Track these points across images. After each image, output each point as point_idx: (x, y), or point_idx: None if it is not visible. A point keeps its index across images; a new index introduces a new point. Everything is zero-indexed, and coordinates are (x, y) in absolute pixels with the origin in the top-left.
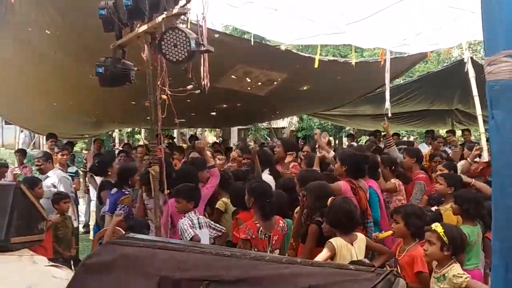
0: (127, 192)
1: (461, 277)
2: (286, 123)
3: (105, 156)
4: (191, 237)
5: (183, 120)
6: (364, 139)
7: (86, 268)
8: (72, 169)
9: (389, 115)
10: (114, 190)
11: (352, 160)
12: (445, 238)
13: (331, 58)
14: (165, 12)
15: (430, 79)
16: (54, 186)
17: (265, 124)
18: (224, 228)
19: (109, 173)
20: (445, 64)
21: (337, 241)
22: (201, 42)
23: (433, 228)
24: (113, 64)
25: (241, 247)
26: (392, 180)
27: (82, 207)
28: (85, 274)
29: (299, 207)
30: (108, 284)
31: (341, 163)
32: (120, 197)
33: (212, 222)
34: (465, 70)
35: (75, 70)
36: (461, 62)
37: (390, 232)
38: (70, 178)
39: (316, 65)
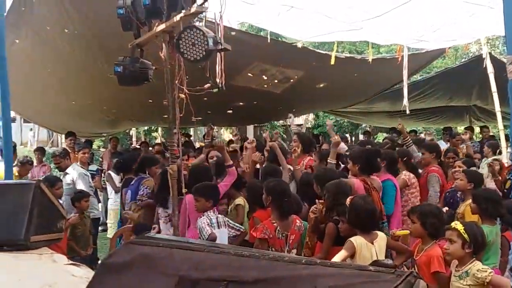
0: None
1: (486, 271)
2: (302, 120)
3: (128, 153)
4: (208, 234)
5: (200, 118)
6: (380, 136)
7: (106, 268)
8: (93, 167)
9: (407, 112)
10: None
11: (364, 157)
12: (465, 236)
13: (348, 54)
14: (183, 11)
15: (448, 75)
16: (73, 183)
17: (281, 122)
18: (243, 228)
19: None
20: (463, 60)
21: (357, 240)
22: (219, 41)
23: (453, 226)
24: (132, 63)
25: (258, 246)
26: (404, 173)
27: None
28: (104, 273)
29: (314, 206)
30: (127, 283)
31: (353, 162)
32: (141, 181)
33: (231, 221)
34: (484, 65)
35: (93, 69)
36: (479, 58)
37: (407, 231)
38: (88, 174)
39: (332, 62)
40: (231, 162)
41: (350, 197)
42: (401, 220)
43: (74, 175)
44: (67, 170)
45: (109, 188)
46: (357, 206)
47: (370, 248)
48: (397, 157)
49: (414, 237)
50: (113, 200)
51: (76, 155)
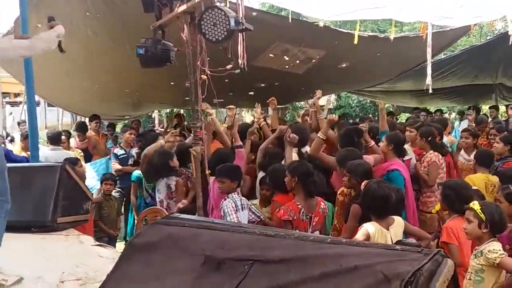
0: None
1: (496, 253)
2: (324, 101)
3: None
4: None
5: (222, 100)
6: (403, 116)
7: (133, 248)
8: (133, 150)
9: (430, 91)
10: None
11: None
12: (482, 216)
13: (371, 33)
14: None
15: (473, 53)
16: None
17: (302, 103)
18: (263, 216)
19: None
20: (488, 38)
21: (371, 226)
22: (240, 21)
23: (470, 206)
24: (154, 45)
25: (282, 228)
26: (431, 153)
27: None
28: (132, 253)
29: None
30: (154, 263)
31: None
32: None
33: (253, 207)
34: (510, 43)
35: (116, 51)
36: (505, 35)
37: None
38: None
39: (355, 41)
40: (240, 143)
41: (365, 181)
42: (415, 210)
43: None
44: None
45: None
46: (371, 191)
47: (385, 234)
48: (403, 138)
49: (443, 211)
50: None
51: (100, 138)
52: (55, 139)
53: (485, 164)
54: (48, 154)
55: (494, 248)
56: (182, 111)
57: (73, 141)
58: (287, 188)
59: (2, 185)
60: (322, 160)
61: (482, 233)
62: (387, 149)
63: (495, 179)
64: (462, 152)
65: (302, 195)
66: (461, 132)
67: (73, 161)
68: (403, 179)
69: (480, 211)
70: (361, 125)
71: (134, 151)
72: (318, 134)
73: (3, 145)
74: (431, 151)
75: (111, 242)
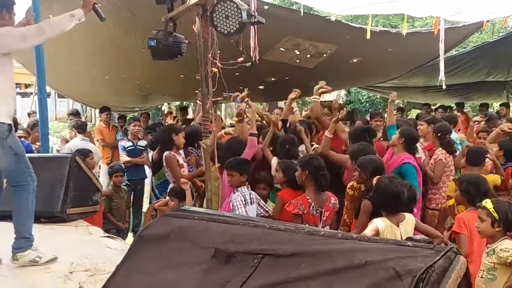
0: (193, 152)
1: (508, 251)
2: (334, 96)
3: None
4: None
5: (232, 94)
6: (413, 113)
7: (143, 239)
8: (142, 142)
9: (444, 87)
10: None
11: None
12: (495, 214)
13: (383, 28)
14: None
15: (486, 49)
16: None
17: (312, 98)
18: (271, 210)
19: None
20: (501, 34)
21: (381, 222)
22: (252, 14)
23: (483, 205)
24: (165, 37)
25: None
26: (440, 151)
27: None
28: (141, 245)
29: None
30: (164, 255)
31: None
32: (188, 157)
33: (262, 201)
34: None
35: (127, 43)
36: None
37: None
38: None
39: (368, 36)
40: (254, 131)
41: (377, 177)
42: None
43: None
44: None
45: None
46: (382, 188)
47: (395, 230)
48: (416, 136)
49: (458, 205)
50: (150, 175)
51: (110, 130)
52: (83, 128)
53: (476, 163)
54: (78, 144)
55: (506, 247)
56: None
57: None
58: (298, 182)
59: (25, 166)
60: (332, 158)
61: (495, 232)
62: (398, 142)
63: (493, 178)
64: None
65: (312, 189)
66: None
67: (84, 153)
68: (416, 170)
69: (493, 210)
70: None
71: (142, 143)
72: (325, 133)
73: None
74: (440, 149)
75: (120, 234)
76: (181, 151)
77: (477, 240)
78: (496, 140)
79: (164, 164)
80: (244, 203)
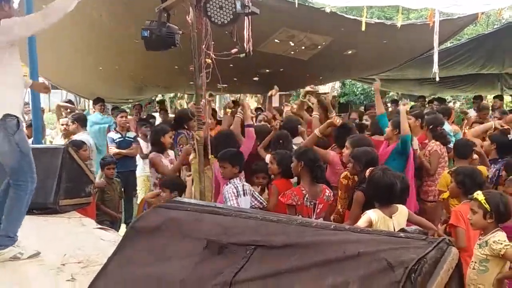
0: (183, 132)
1: (501, 243)
2: (328, 88)
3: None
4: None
5: (226, 85)
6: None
7: (135, 231)
8: (131, 134)
9: (437, 79)
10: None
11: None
12: (486, 206)
13: (378, 20)
14: None
15: (480, 42)
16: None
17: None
18: (265, 202)
19: None
20: (495, 26)
21: (373, 214)
22: (247, 4)
23: (474, 197)
24: (159, 28)
25: (286, 212)
26: (433, 143)
27: None
28: (134, 236)
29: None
30: (156, 246)
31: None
32: (178, 137)
33: (256, 193)
34: None
35: (120, 33)
36: None
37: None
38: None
39: (363, 28)
40: (251, 122)
41: (370, 168)
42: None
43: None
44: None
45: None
46: (376, 178)
47: (388, 222)
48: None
49: (452, 197)
50: (141, 167)
51: None
52: (86, 121)
53: (464, 155)
54: (87, 139)
55: (499, 239)
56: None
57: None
58: (293, 174)
59: (28, 166)
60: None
61: (487, 223)
62: (392, 134)
63: (482, 170)
64: None
65: (307, 180)
66: None
67: (78, 144)
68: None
69: (485, 201)
70: None
71: (131, 134)
72: (315, 131)
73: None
74: (433, 140)
75: (114, 225)
76: (171, 152)
77: (472, 233)
78: (481, 135)
79: (150, 165)
80: (236, 195)
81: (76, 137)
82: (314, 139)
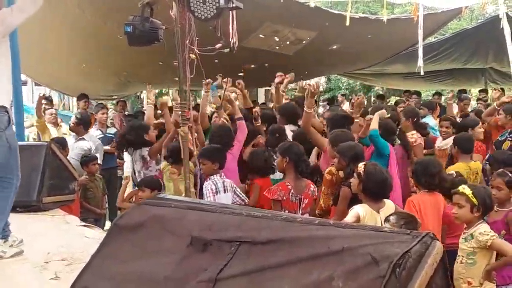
0: None
1: (487, 235)
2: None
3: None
4: None
5: (211, 80)
6: (393, 100)
7: (119, 228)
8: (111, 130)
9: (422, 73)
10: None
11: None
12: (474, 200)
13: (362, 15)
14: None
15: (464, 37)
16: (90, 151)
17: (292, 85)
18: (247, 199)
19: None
20: (479, 21)
21: (361, 209)
22: None
23: (460, 191)
24: (142, 23)
25: (271, 208)
26: (412, 134)
27: None
28: (117, 234)
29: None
30: (140, 243)
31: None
32: None
33: (238, 189)
34: (501, 26)
35: (103, 29)
36: (496, 19)
37: None
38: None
39: (347, 23)
40: (240, 115)
41: (362, 163)
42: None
43: (91, 145)
44: (84, 136)
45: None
46: (372, 174)
47: (375, 217)
48: (394, 127)
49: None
50: (126, 163)
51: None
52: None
53: (466, 150)
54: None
55: (485, 230)
56: None
57: None
58: (278, 169)
59: (15, 163)
60: (312, 136)
61: (473, 217)
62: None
63: (476, 165)
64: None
65: (292, 175)
66: (441, 121)
67: (61, 142)
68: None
69: (472, 195)
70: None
71: (111, 131)
72: (305, 108)
73: None
74: (414, 131)
75: (98, 222)
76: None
77: (432, 224)
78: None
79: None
80: (214, 191)
81: (80, 141)
82: (309, 118)
